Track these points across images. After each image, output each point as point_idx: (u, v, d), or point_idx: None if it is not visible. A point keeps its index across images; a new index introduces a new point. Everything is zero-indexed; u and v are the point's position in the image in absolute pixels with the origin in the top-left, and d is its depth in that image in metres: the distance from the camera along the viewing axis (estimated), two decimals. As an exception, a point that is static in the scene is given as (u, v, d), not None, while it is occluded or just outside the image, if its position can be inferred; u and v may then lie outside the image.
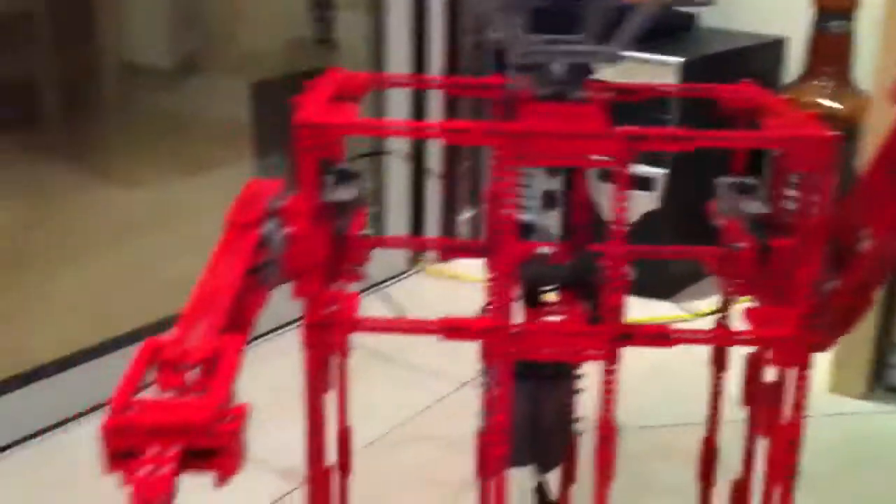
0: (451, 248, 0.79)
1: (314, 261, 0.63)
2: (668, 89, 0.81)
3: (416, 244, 0.82)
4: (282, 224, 0.67)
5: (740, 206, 0.72)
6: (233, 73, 1.89)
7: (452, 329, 0.63)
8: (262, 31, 1.88)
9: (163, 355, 0.51)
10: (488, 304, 0.80)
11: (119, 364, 1.13)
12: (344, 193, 0.69)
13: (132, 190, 1.61)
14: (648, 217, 1.39)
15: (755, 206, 0.71)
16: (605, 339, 0.64)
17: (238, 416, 0.50)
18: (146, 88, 1.94)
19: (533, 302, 0.70)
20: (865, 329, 1.13)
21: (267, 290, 0.68)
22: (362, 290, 0.71)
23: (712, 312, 0.79)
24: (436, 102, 1.39)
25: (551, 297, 0.72)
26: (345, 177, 0.72)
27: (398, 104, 1.41)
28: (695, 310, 1.37)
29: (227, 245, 0.66)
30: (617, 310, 0.63)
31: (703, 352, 0.80)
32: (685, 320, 1.33)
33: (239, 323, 0.62)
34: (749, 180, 0.74)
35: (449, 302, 0.96)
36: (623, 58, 0.66)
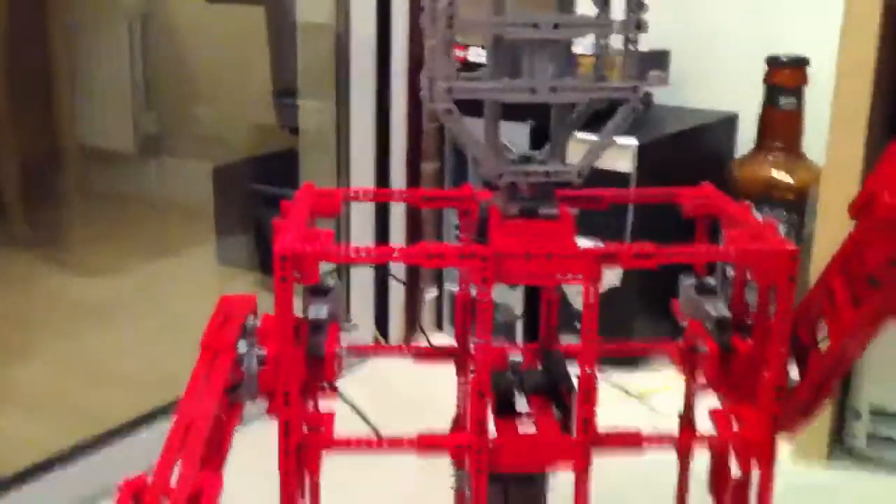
0: (420, 354, 0.80)
1: (289, 382, 0.64)
2: (632, 196, 0.83)
3: (386, 351, 0.84)
4: (255, 344, 0.68)
5: (702, 307, 0.74)
6: (195, 156, 1.91)
7: (427, 446, 0.64)
8: (224, 116, 1.90)
9: (144, 497, 0.52)
10: (459, 412, 0.82)
11: (93, 467, 1.10)
12: (318, 312, 0.70)
13: (90, 279, 1.60)
14: (612, 292, 1.42)
15: (717, 308, 0.73)
16: (580, 448, 0.65)
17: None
18: (107, 172, 1.94)
19: (503, 411, 0.71)
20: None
21: (242, 408, 0.69)
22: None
23: (681, 414, 0.80)
24: (399, 207, 1.43)
25: (521, 404, 0.73)
26: (318, 293, 0.73)
27: (363, 209, 1.44)
28: (661, 381, 1.38)
29: (202, 369, 0.67)
30: (589, 418, 0.65)
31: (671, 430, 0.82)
32: (652, 393, 1.35)
33: (217, 449, 0.63)
34: (710, 281, 0.77)
35: (416, 381, 0.97)
36: (583, 178, 0.69)
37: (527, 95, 0.66)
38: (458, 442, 0.64)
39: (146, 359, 1.38)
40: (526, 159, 0.71)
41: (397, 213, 1.49)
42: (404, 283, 1.46)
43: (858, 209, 0.62)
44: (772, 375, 0.66)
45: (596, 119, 0.72)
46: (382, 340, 1.51)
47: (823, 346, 0.71)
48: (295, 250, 0.62)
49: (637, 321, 1.44)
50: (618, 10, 0.68)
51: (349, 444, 0.65)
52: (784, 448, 1.17)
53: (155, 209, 1.91)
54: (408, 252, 0.62)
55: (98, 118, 2.04)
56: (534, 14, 0.66)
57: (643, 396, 1.34)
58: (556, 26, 0.65)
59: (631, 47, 0.68)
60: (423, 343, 1.41)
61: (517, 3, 0.68)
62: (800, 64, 1.47)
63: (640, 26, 0.66)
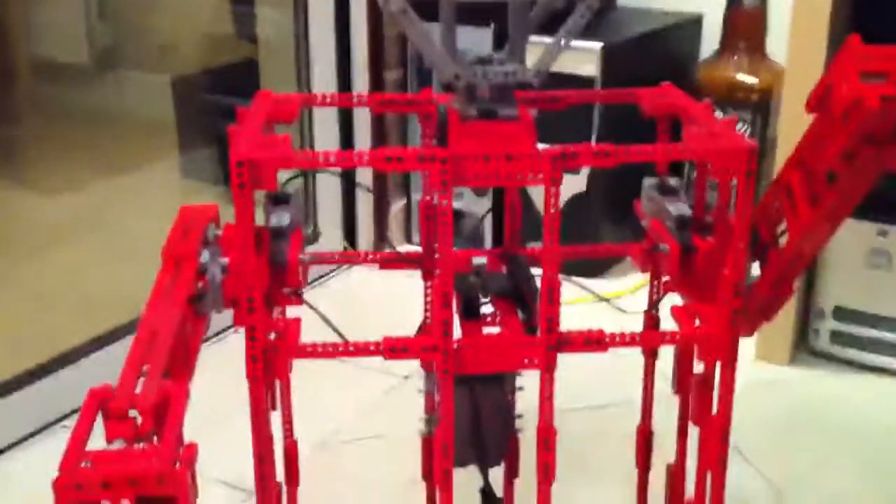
0: (387, 260, 0.80)
1: (253, 289, 0.64)
2: (592, 96, 0.83)
3: (351, 258, 0.83)
4: (219, 253, 0.68)
5: (664, 207, 0.74)
6: (152, 68, 1.86)
7: (394, 350, 0.65)
8: (181, 26, 1.85)
9: (109, 406, 0.52)
10: (426, 317, 0.83)
11: (55, 389, 1.11)
12: (279, 219, 0.70)
13: (51, 196, 1.58)
14: (577, 198, 1.42)
15: (678, 208, 0.73)
16: (543, 349, 0.66)
17: (188, 462, 0.51)
18: (61, 86, 1.89)
19: (469, 314, 0.72)
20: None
21: (207, 319, 0.69)
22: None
23: (645, 311, 0.81)
24: (363, 115, 1.41)
25: (486, 307, 0.74)
26: (279, 201, 0.72)
27: (326, 118, 1.42)
28: (625, 286, 1.40)
29: (165, 279, 0.66)
30: (552, 319, 0.65)
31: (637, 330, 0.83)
32: (617, 296, 1.37)
33: (183, 359, 0.63)
34: (672, 181, 0.77)
35: (386, 291, 0.98)
36: (541, 78, 0.68)
37: (483, -6, 0.65)
38: (424, 344, 0.65)
39: (109, 277, 1.37)
40: (484, 61, 0.70)
41: (361, 120, 1.47)
42: (370, 191, 1.46)
43: (815, 103, 0.62)
44: (731, 271, 0.66)
45: (555, 21, 0.71)
46: (351, 250, 1.51)
47: (783, 242, 0.71)
48: (251, 156, 0.61)
49: (603, 228, 1.45)
50: None
51: (315, 350, 0.65)
52: (748, 349, 1.21)
53: (113, 124, 1.86)
54: (364, 155, 0.61)
55: (50, 29, 1.97)
56: None
57: (610, 299, 1.36)
58: (512, -79, 0.64)
59: (589, -58, 0.66)
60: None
61: None
62: (764, -38, 1.45)
63: (598, -80, 0.65)
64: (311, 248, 1.43)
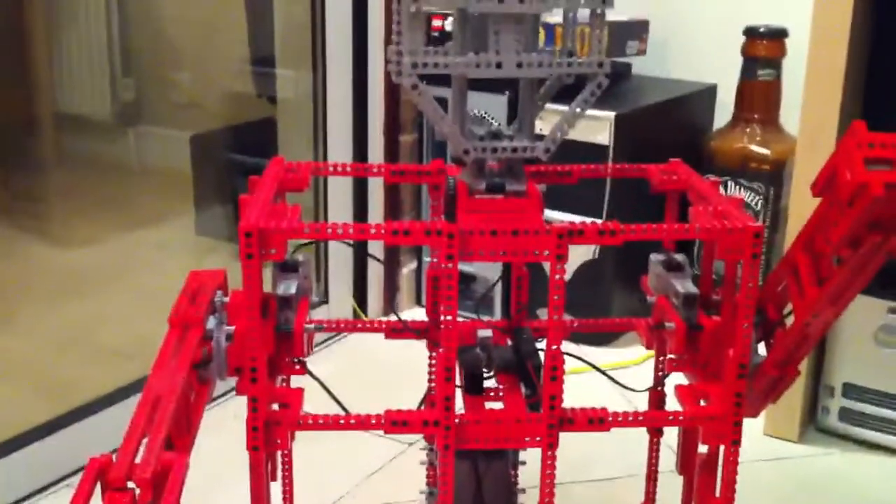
0: (392, 330, 0.80)
1: (257, 359, 0.64)
2: (601, 172, 0.83)
3: (358, 327, 0.84)
4: (225, 320, 0.68)
5: (671, 284, 0.75)
6: (173, 124, 1.89)
7: (395, 423, 0.65)
8: (202, 84, 1.88)
9: (108, 477, 0.52)
10: (430, 387, 0.83)
11: (64, 444, 1.10)
12: (287, 287, 0.70)
13: (69, 249, 1.59)
14: (587, 265, 1.43)
15: (685, 285, 0.74)
16: (545, 426, 0.66)
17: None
18: (84, 140, 1.92)
19: (472, 389, 0.72)
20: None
21: (211, 385, 0.69)
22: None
23: (649, 389, 0.81)
24: (377, 179, 1.42)
25: (490, 381, 0.74)
26: (287, 269, 0.73)
27: (341, 182, 1.44)
28: (632, 357, 1.40)
29: (171, 344, 0.67)
30: (556, 397, 0.65)
31: (643, 405, 0.83)
32: (623, 367, 1.36)
33: (185, 427, 0.63)
34: (679, 257, 0.77)
35: (395, 353, 0.98)
36: (549, 154, 0.69)
37: (493, 70, 0.66)
38: (425, 419, 0.65)
39: (123, 331, 1.38)
40: (495, 135, 0.71)
41: (376, 184, 1.49)
42: (379, 261, 1.47)
43: (821, 187, 0.63)
44: (736, 352, 0.66)
45: (569, 91, 0.72)
46: (362, 315, 1.51)
47: (790, 322, 0.71)
48: (259, 226, 0.62)
49: (615, 294, 1.45)
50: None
51: (316, 422, 0.65)
52: (757, 424, 1.20)
53: (133, 178, 1.89)
54: (371, 228, 0.62)
55: (75, 84, 2.01)
56: (500, -12, 0.65)
57: (615, 370, 1.35)
58: (521, 0, 0.65)
59: (598, 22, 0.67)
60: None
61: None
62: (778, 35, 1.46)
63: (606, 0, 0.66)
64: (321, 310, 1.45)
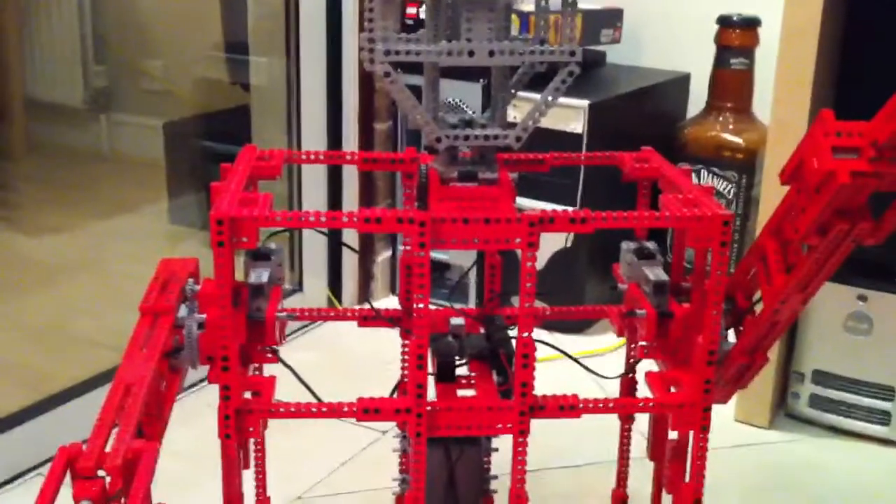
0: (365, 318, 0.80)
1: (228, 347, 0.64)
2: (574, 160, 0.84)
3: (329, 316, 0.84)
4: (196, 308, 0.68)
5: (642, 272, 0.75)
6: (146, 112, 1.87)
7: (367, 411, 0.65)
8: (175, 71, 1.87)
9: (78, 465, 0.52)
10: (403, 375, 0.83)
11: (35, 434, 1.10)
12: (259, 276, 0.70)
13: (40, 237, 1.58)
14: (560, 253, 1.43)
15: (656, 273, 0.74)
16: (517, 413, 0.66)
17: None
18: (55, 127, 1.90)
19: (444, 377, 0.72)
20: (770, 359, 1.18)
21: (182, 374, 0.69)
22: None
23: (620, 376, 0.82)
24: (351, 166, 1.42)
25: (462, 369, 0.74)
26: (259, 257, 0.73)
27: (315, 169, 1.43)
28: (605, 344, 1.40)
29: (141, 333, 0.66)
30: (527, 384, 0.65)
31: (615, 392, 0.84)
32: (596, 354, 1.37)
33: (156, 415, 0.63)
34: (650, 245, 0.78)
35: (369, 341, 0.98)
36: (521, 143, 0.69)
37: (465, 59, 0.66)
38: (397, 406, 0.65)
39: (95, 320, 1.37)
40: (467, 123, 0.71)
41: (350, 175, 1.48)
42: (353, 250, 1.46)
43: (789, 175, 0.63)
44: (705, 339, 0.67)
45: (543, 79, 0.72)
46: (336, 303, 1.51)
47: (759, 309, 0.72)
48: (231, 214, 0.62)
49: (588, 282, 1.46)
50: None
51: (288, 410, 0.65)
52: (728, 411, 1.21)
53: (105, 166, 1.88)
54: (342, 216, 0.62)
55: (46, 71, 1.99)
56: (472, -24, 0.65)
57: (589, 357, 1.36)
58: (494, -13, 0.65)
59: (570, 10, 0.67)
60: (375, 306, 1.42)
61: None
62: (751, 24, 1.47)
63: (579, -10, 0.66)
64: (295, 298, 1.45)
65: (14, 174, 1.78)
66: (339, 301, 1.52)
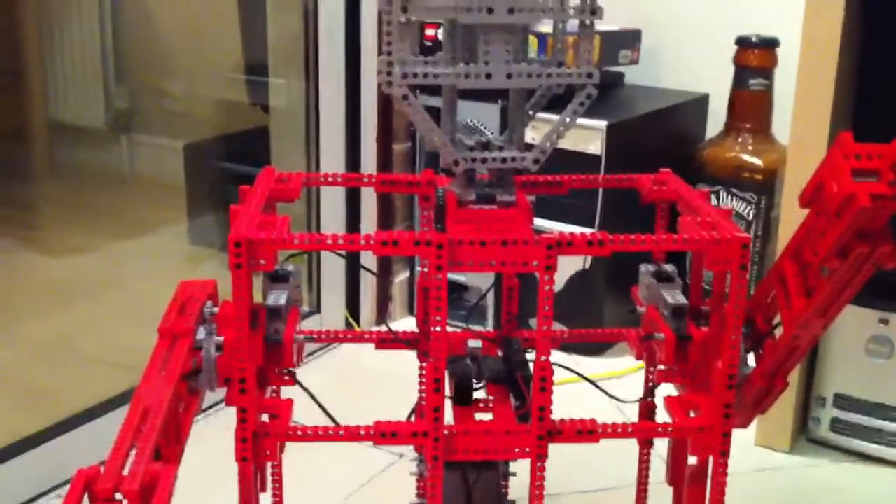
0: (383, 340, 0.80)
1: (246, 370, 0.64)
2: (592, 182, 0.84)
3: (349, 338, 0.84)
4: (214, 330, 0.68)
5: (660, 295, 0.75)
6: (166, 132, 1.89)
7: (384, 435, 0.65)
8: (196, 92, 1.88)
9: (95, 488, 0.52)
10: (421, 398, 0.83)
11: (56, 454, 1.09)
12: (277, 298, 0.70)
13: (61, 258, 1.59)
14: (579, 275, 1.43)
15: (674, 296, 0.74)
16: (534, 437, 0.66)
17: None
18: (76, 148, 1.92)
19: (462, 400, 0.72)
20: (791, 383, 1.17)
21: (200, 396, 0.69)
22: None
23: (639, 400, 0.81)
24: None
25: (480, 392, 0.74)
26: (277, 279, 0.73)
27: (334, 190, 1.44)
28: (624, 366, 1.40)
29: (160, 354, 0.66)
30: (545, 408, 0.65)
31: (634, 414, 0.83)
32: (615, 377, 1.36)
33: (174, 437, 0.63)
34: (668, 268, 0.77)
35: (386, 363, 0.98)
36: (539, 165, 0.69)
37: (482, 81, 0.66)
38: (414, 430, 0.65)
39: (115, 341, 1.38)
40: (485, 146, 0.71)
41: (368, 196, 1.49)
42: (372, 272, 1.47)
43: (808, 198, 0.63)
44: (724, 364, 0.66)
45: (561, 100, 0.72)
46: (354, 324, 1.51)
47: (779, 333, 0.71)
48: (249, 237, 0.62)
49: (607, 303, 1.45)
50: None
51: (305, 433, 0.65)
52: (749, 435, 1.20)
53: (126, 187, 1.89)
54: (360, 239, 0.62)
55: (68, 93, 2.01)
56: (490, -1, 0.65)
57: (608, 380, 1.36)
58: (511, 11, 0.65)
59: (587, 33, 0.67)
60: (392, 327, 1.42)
61: None
62: (769, 45, 1.47)
63: (595, 12, 0.66)
64: (313, 319, 1.45)
65: (36, 195, 1.79)
66: (357, 322, 1.52)
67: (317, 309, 1.48)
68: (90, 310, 1.48)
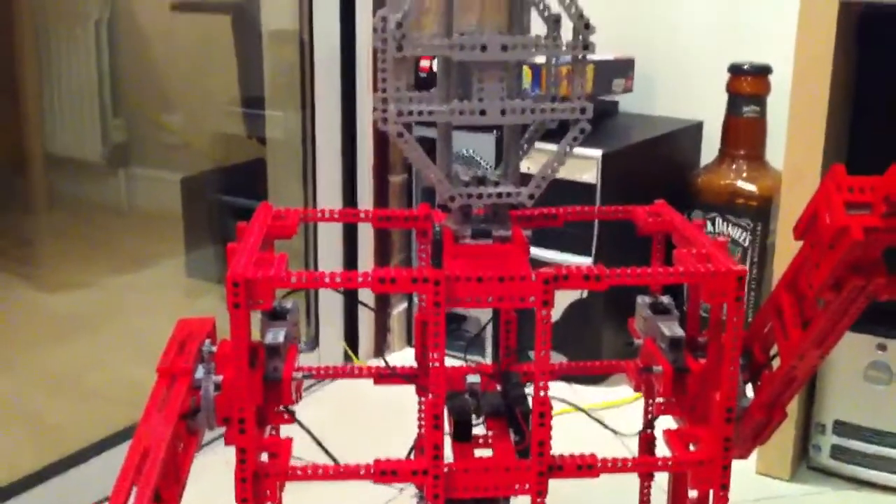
0: (381, 375, 0.80)
1: (245, 410, 0.64)
2: (587, 214, 0.84)
3: (345, 373, 0.84)
4: (213, 369, 0.68)
5: (657, 327, 0.75)
6: (164, 165, 1.90)
7: (385, 473, 0.65)
8: (193, 125, 1.89)
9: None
10: (420, 433, 0.83)
11: (55, 494, 1.08)
12: (275, 335, 0.70)
13: (59, 293, 1.59)
14: (577, 304, 1.43)
15: (671, 328, 0.74)
16: (534, 474, 0.65)
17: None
18: (74, 181, 1.93)
19: (461, 436, 0.72)
20: (790, 411, 1.17)
21: (199, 435, 0.69)
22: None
23: (639, 433, 0.81)
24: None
25: (479, 428, 0.74)
26: (275, 316, 0.73)
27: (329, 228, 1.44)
28: (624, 395, 1.39)
29: (159, 394, 0.67)
30: (544, 443, 0.65)
31: (634, 444, 0.83)
32: (614, 406, 1.36)
33: (173, 478, 0.63)
34: (665, 299, 0.77)
35: (385, 395, 0.98)
36: (534, 199, 0.69)
37: (477, 118, 0.67)
38: (414, 468, 0.65)
39: (114, 376, 1.37)
40: (480, 180, 0.72)
41: (365, 228, 1.49)
42: (370, 308, 1.47)
43: (802, 231, 0.63)
44: (722, 397, 0.66)
45: (555, 132, 0.72)
46: (353, 356, 1.51)
47: (776, 364, 0.71)
48: (246, 276, 0.62)
49: (605, 332, 1.45)
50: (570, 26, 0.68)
51: (305, 473, 0.65)
52: (749, 463, 1.19)
53: (124, 220, 1.90)
54: (357, 276, 0.62)
55: (66, 126, 2.02)
56: (482, 36, 0.66)
57: (607, 409, 1.36)
58: (504, 48, 0.66)
59: (580, 68, 0.68)
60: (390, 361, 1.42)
61: (480, 8, 0.68)
62: (762, 72, 1.48)
63: (587, 47, 0.67)
64: (311, 354, 1.44)
65: (34, 229, 1.80)
66: (356, 354, 1.52)
67: (315, 341, 1.48)
68: (90, 345, 1.48)
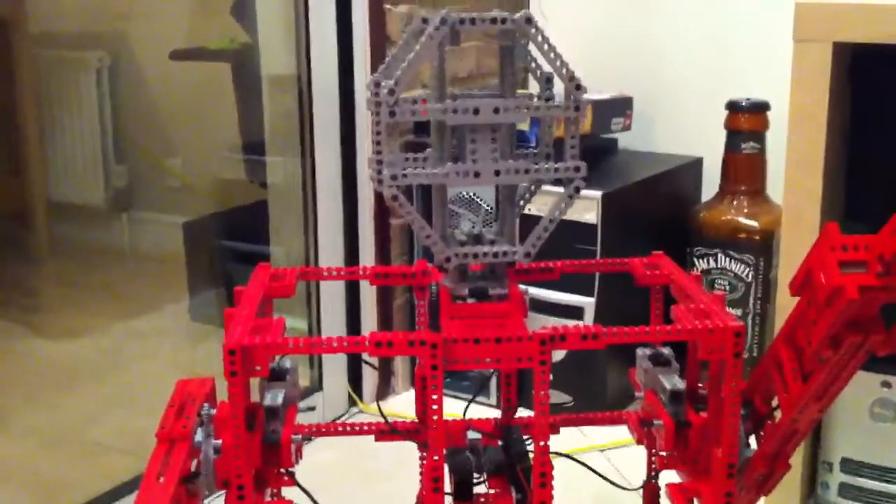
0: (382, 432, 0.80)
1: (243, 475, 0.64)
2: (585, 266, 0.84)
3: (347, 430, 0.84)
4: (213, 433, 0.68)
5: (658, 380, 0.75)
6: (166, 210, 1.91)
7: (385, 537, 0.64)
8: (195, 170, 1.91)
9: None
10: (422, 491, 0.82)
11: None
12: (274, 397, 0.70)
13: (62, 341, 1.59)
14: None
15: (672, 381, 0.74)
16: (536, 534, 0.65)
17: None
18: (76, 227, 1.94)
19: (463, 495, 0.71)
20: (797, 449, 1.16)
21: (200, 499, 0.69)
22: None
23: (642, 486, 0.81)
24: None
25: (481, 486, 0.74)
26: (275, 377, 0.73)
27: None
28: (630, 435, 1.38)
29: (159, 459, 0.66)
30: (545, 503, 0.65)
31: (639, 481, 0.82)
32: (620, 446, 1.35)
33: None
34: (665, 351, 0.77)
35: (386, 454, 0.98)
36: (532, 256, 0.70)
37: (471, 180, 0.67)
38: (415, 530, 0.64)
39: (119, 426, 1.37)
40: (476, 239, 0.72)
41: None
42: (373, 366, 1.47)
43: (798, 288, 0.63)
44: (724, 452, 0.66)
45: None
46: (357, 400, 1.51)
47: (778, 415, 0.71)
48: (243, 343, 0.62)
49: (609, 372, 1.45)
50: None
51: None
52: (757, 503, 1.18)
53: (126, 265, 1.91)
54: (355, 340, 0.62)
55: (68, 173, 2.04)
56: (474, 99, 0.66)
57: (613, 449, 1.35)
58: (496, 111, 0.66)
59: (572, 128, 0.68)
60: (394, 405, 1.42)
61: (477, 57, 0.68)
62: (760, 109, 1.48)
63: (578, 108, 0.67)
64: (315, 397, 1.44)
65: (36, 277, 1.81)
66: (360, 397, 1.51)
67: (318, 386, 1.48)
68: (92, 393, 1.48)
